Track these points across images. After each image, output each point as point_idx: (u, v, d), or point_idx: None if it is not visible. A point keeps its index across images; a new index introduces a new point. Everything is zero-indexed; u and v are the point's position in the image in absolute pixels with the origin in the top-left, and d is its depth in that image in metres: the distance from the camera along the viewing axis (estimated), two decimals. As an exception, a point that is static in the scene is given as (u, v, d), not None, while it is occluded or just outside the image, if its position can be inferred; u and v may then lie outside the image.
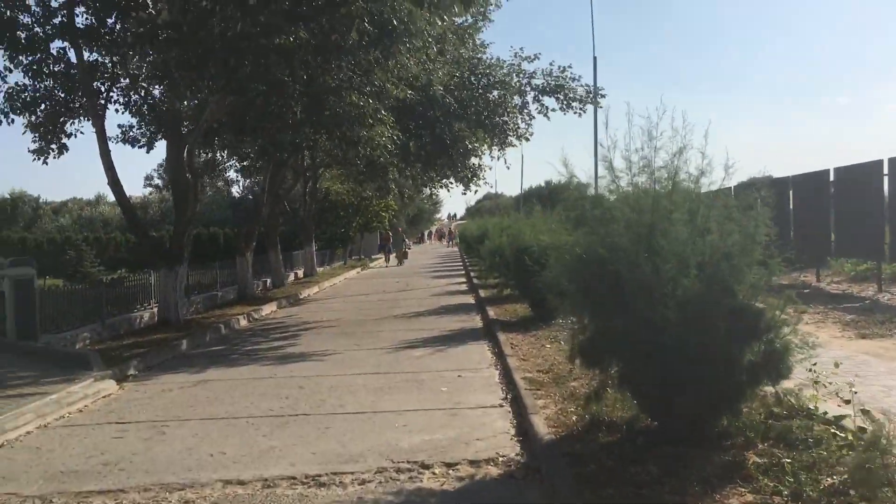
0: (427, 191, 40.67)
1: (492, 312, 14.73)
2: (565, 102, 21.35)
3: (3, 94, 14.76)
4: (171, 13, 11.40)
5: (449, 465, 5.69)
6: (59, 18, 14.02)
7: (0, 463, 6.27)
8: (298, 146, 19.24)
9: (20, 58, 13.86)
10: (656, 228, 5.03)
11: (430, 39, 13.82)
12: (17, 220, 61.93)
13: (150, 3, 12.52)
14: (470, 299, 19.32)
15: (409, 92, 15.94)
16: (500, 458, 5.81)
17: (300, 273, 30.37)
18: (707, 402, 5.04)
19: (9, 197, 64.99)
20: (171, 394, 8.96)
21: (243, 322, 16.46)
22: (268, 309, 18.87)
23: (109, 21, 14.34)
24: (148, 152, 18.94)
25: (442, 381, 8.93)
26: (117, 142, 18.77)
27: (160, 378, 10.12)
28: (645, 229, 5.13)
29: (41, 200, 67.81)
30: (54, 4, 14.17)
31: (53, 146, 16.11)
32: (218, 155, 25.98)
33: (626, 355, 5.40)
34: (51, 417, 7.71)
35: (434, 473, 5.56)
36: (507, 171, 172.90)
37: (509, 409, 7.44)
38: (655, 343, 4.95)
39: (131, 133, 18.63)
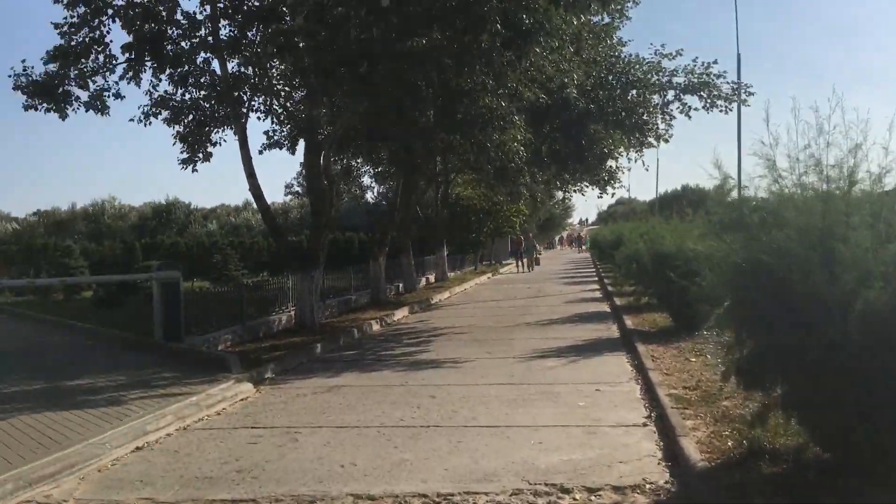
0: (560, 195, 39.91)
1: (629, 322, 14.08)
2: (709, 101, 20.25)
3: (150, 101, 15.59)
4: (307, 21, 11.55)
5: (591, 491, 5.26)
6: (204, 31, 14.59)
7: (139, 465, 6.37)
8: (431, 151, 19.23)
9: (167, 69, 14.51)
10: (832, 233, 4.42)
11: (565, 39, 13.38)
12: (171, 225, 65.66)
13: (287, 13, 12.78)
14: (605, 307, 18.65)
15: (543, 94, 15.53)
16: (648, 486, 5.32)
17: (431, 278, 30.48)
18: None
19: (164, 203, 69.14)
20: (304, 399, 8.96)
21: (376, 327, 16.53)
22: (400, 314, 18.93)
23: (250, 33, 14.81)
24: (293, 153, 19.51)
25: (578, 395, 8.48)
26: (263, 149, 19.51)
27: (295, 382, 10.19)
28: (817, 234, 4.53)
29: (192, 207, 71.71)
30: (199, 18, 14.80)
31: (200, 155, 16.83)
32: (353, 161, 26.44)
33: (794, 376, 4.79)
34: (190, 419, 7.84)
35: (575, 500, 5.15)
36: (638, 176, 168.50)
37: (654, 428, 6.91)
38: (831, 362, 4.33)
39: (275, 137, 19.30)
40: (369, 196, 52.45)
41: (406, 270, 25.78)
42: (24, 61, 14.32)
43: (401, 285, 25.30)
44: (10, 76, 14.20)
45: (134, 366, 10.97)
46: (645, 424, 7.08)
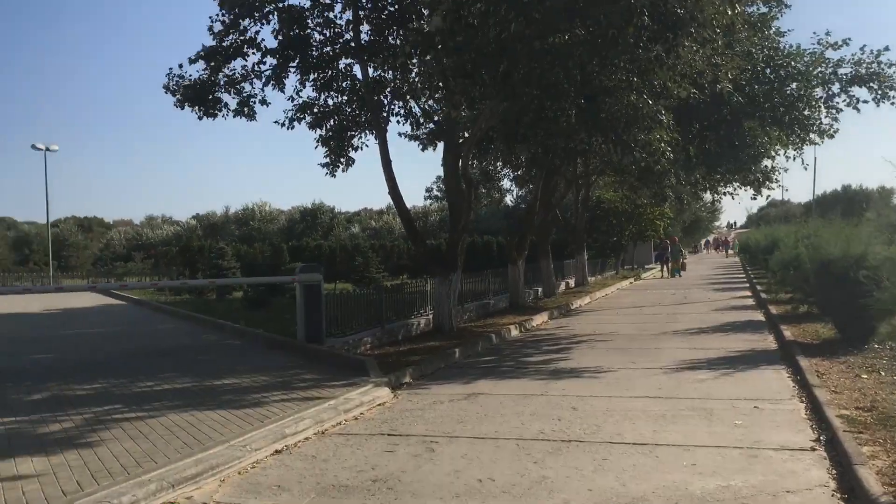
0: (708, 196, 38.08)
1: (787, 332, 13.05)
2: (880, 92, 18.51)
3: (295, 106, 15.96)
4: (445, 21, 11.37)
5: (756, 525, 4.71)
6: (346, 36, 14.79)
7: (277, 470, 6.33)
8: (571, 152, 18.65)
9: (311, 75, 14.81)
10: None
11: (718, 30, 12.52)
12: (317, 228, 68.13)
13: (425, 14, 12.69)
14: (758, 316, 17.48)
15: (693, 90, 14.65)
16: (823, 523, 4.71)
17: (571, 282, 29.83)
18: None
19: (310, 207, 71.87)
20: (441, 406, 8.75)
21: (514, 332, 16.20)
22: (539, 319, 18.50)
23: (390, 37, 14.88)
24: (427, 150, 19.55)
25: (734, 413, 7.80)
26: (405, 136, 19.60)
27: (432, 388, 10.02)
28: None
29: (336, 211, 74.17)
30: (340, 23, 15.02)
31: (342, 159, 17.11)
32: (492, 164, 26.23)
33: None
34: (328, 424, 7.80)
35: (738, 535, 4.62)
36: (791, 177, 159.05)
37: (824, 454, 6.20)
38: None
39: (415, 133, 19.40)
40: (508, 199, 52.29)
41: (545, 274, 25.30)
42: (180, 66, 15.02)
43: (539, 290, 24.84)
44: (165, 76, 14.94)
45: (276, 366, 11.17)
46: (813, 449, 6.38)
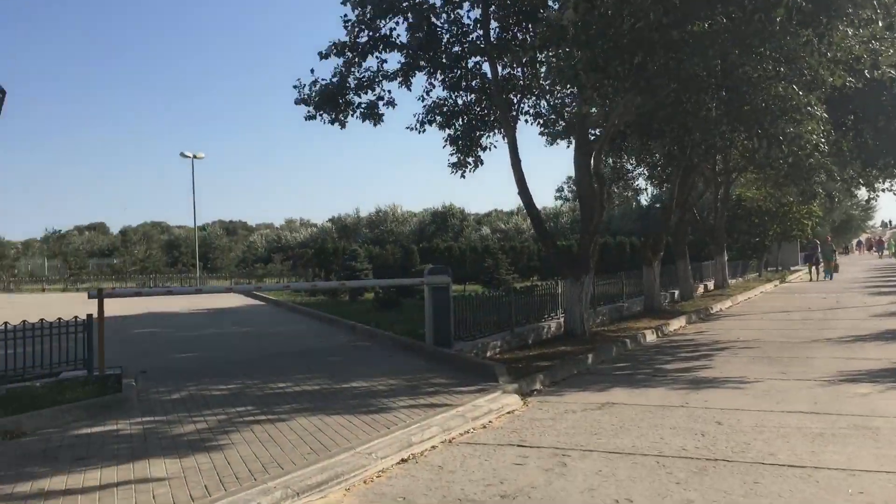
0: (863, 193, 35.37)
1: (962, 342, 11.75)
2: None
3: (424, 108, 15.93)
4: (577, 13, 10.91)
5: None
6: (475, 34, 14.59)
7: (403, 480, 6.12)
8: (711, 148, 17.70)
9: (440, 74, 14.70)
10: None
11: (878, 10, 11.39)
12: (447, 230, 68.60)
13: (555, 7, 12.27)
14: (925, 323, 15.95)
15: (850, 78, 13.47)
16: None
17: (710, 285, 28.45)
18: None
19: (440, 210, 72.48)
20: (574, 416, 8.32)
21: (650, 337, 15.47)
22: (676, 324, 17.64)
23: (519, 33, 14.54)
24: (557, 143, 19.16)
25: (906, 433, 6.98)
26: (540, 131, 19.35)
27: (564, 396, 9.59)
28: None
29: (466, 212, 74.40)
30: (467, 22, 14.84)
31: (470, 159, 16.94)
32: (625, 162, 25.39)
33: None
34: (455, 432, 7.54)
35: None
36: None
37: None
38: None
39: (548, 129, 19.07)
40: (642, 199, 50.79)
41: (682, 277, 24.20)
42: (312, 71, 15.33)
43: (676, 293, 23.79)
44: (294, 86, 15.18)
45: (404, 370, 11.06)
46: None
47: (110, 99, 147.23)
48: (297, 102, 15.25)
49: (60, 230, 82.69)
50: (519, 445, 7.09)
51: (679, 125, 15.58)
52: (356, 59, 14.93)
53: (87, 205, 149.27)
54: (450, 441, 7.32)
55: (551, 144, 19.23)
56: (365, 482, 6.07)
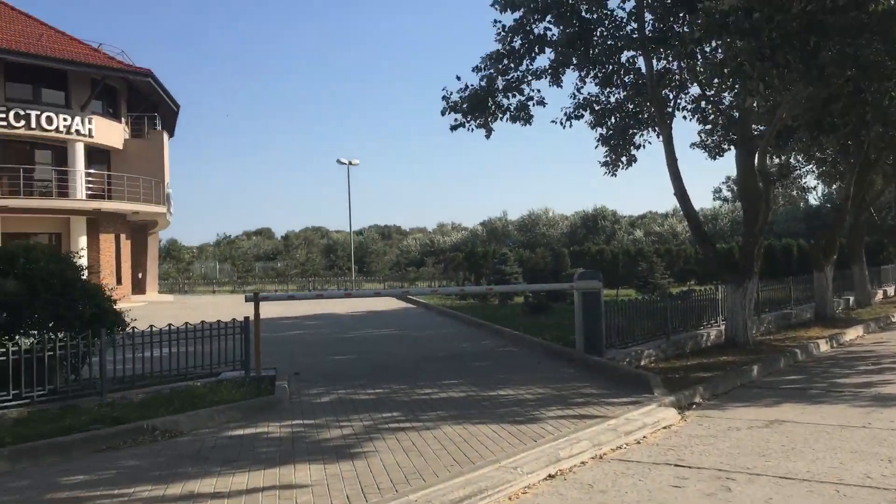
0: None
1: None
2: None
3: (574, 103, 15.46)
4: (741, -1, 10.14)
5: None
6: (629, 28, 13.98)
7: (549, 499, 5.74)
8: (893, 141, 16.12)
9: (591, 69, 14.20)
10: None
11: None
12: (599, 233, 67.23)
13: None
14: None
15: None
16: None
17: (889, 291, 26.16)
18: None
19: (591, 212, 71.14)
20: (737, 433, 7.65)
21: (823, 347, 14.24)
22: (852, 333, 16.18)
23: (675, 25, 13.80)
24: (714, 159, 18.15)
25: None
26: (694, 147, 18.50)
27: (726, 411, 8.89)
28: None
29: (618, 215, 72.62)
30: (621, 14, 14.24)
31: (623, 159, 16.30)
32: (792, 159, 23.71)
33: None
34: (607, 447, 7.09)
35: None
36: None
37: None
38: None
39: (704, 141, 18.18)
40: (811, 198, 47.60)
41: (858, 282, 22.30)
42: (458, 78, 15.10)
43: (851, 299, 21.93)
44: (442, 98, 15.05)
45: (552, 378, 10.68)
46: None
47: (273, 112, 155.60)
48: (443, 113, 15.05)
49: (230, 235, 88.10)
50: (676, 465, 6.55)
51: (856, 117, 14.28)
52: (511, 66, 14.67)
53: (255, 211, 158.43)
54: (600, 457, 6.88)
55: (714, 158, 18.18)
56: (510, 498, 5.76)
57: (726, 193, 64.42)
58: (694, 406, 9.15)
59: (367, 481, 5.93)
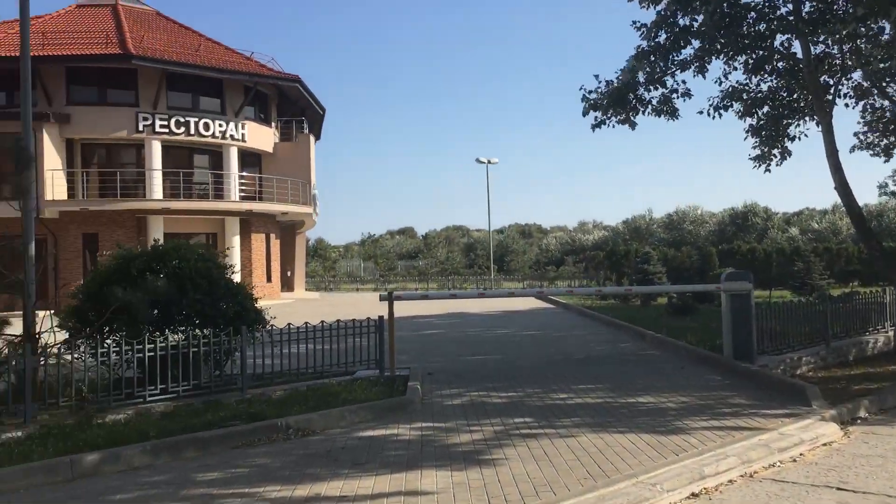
0: None
1: None
2: None
3: (721, 92, 14.53)
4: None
5: None
6: (783, 10, 12.98)
7: (691, 521, 5.29)
8: None
9: (739, 56, 13.29)
10: None
11: None
12: (750, 230, 63.95)
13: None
14: None
15: None
16: None
17: None
18: None
19: (741, 209, 67.77)
20: (910, 454, 6.82)
21: None
22: None
23: (834, 5, 12.70)
24: (886, 161, 16.47)
25: None
26: (853, 150, 17.05)
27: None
28: None
29: (771, 211, 68.79)
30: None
31: (776, 151, 15.20)
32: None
33: None
34: (758, 464, 6.47)
35: None
36: None
37: None
38: None
39: (867, 140, 16.66)
40: None
41: None
42: (596, 77, 14.44)
43: None
44: (583, 99, 14.41)
45: (697, 385, 10.02)
46: None
47: (414, 114, 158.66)
48: (584, 113, 14.40)
49: (374, 234, 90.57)
50: (839, 488, 5.87)
51: None
52: (657, 62, 13.92)
53: (398, 210, 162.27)
54: (750, 475, 6.28)
55: (887, 160, 16.52)
56: (648, 517, 5.34)
57: (893, 188, 59.60)
58: (858, 421, 8.28)
59: (494, 491, 5.67)
